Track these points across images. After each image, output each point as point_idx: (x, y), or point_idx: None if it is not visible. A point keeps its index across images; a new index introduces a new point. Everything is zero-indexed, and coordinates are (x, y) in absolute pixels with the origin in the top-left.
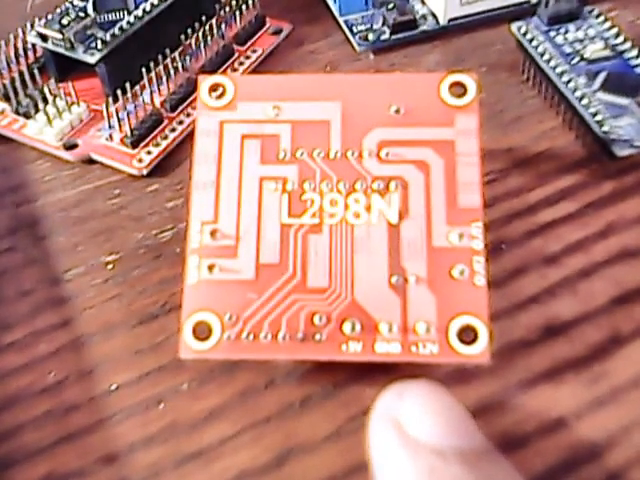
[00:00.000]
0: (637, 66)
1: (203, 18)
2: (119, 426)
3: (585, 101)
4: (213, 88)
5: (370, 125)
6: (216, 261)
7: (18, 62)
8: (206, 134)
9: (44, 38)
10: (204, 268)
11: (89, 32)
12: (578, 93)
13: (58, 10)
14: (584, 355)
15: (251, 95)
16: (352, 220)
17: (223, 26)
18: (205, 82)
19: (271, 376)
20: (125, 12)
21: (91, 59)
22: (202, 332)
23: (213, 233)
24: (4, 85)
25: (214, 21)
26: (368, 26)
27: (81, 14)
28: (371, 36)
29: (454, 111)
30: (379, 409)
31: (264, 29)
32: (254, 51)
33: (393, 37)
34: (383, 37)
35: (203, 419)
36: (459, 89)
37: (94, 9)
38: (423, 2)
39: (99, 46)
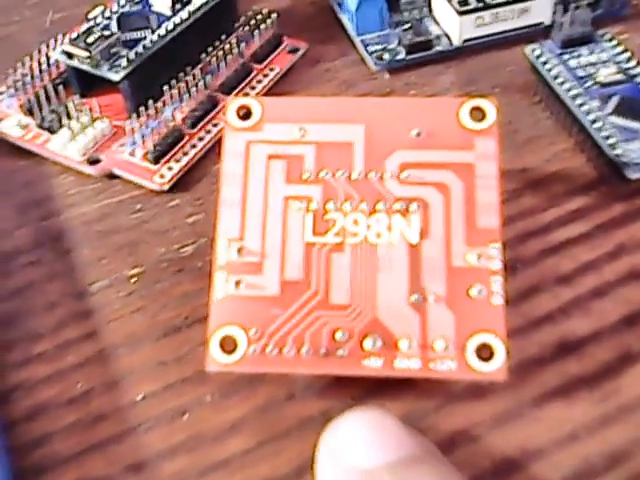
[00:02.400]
0: None
1: (222, 36)
2: (145, 436)
3: (598, 124)
4: (240, 110)
5: (392, 147)
6: (242, 277)
7: (42, 77)
8: (233, 154)
9: (70, 56)
10: (231, 284)
11: (113, 50)
12: (591, 116)
13: (83, 28)
14: (595, 373)
15: (277, 116)
16: (374, 240)
17: (242, 45)
18: (233, 104)
19: (292, 389)
20: (148, 30)
21: (115, 77)
22: (228, 346)
23: (240, 250)
24: (29, 100)
25: (233, 40)
26: (384, 46)
27: (105, 32)
28: (386, 56)
29: (474, 135)
30: (321, 444)
31: (281, 48)
32: (271, 69)
33: (408, 57)
34: (398, 57)
35: (226, 430)
36: (479, 114)
37: (118, 27)
38: (438, 23)
39: (123, 64)
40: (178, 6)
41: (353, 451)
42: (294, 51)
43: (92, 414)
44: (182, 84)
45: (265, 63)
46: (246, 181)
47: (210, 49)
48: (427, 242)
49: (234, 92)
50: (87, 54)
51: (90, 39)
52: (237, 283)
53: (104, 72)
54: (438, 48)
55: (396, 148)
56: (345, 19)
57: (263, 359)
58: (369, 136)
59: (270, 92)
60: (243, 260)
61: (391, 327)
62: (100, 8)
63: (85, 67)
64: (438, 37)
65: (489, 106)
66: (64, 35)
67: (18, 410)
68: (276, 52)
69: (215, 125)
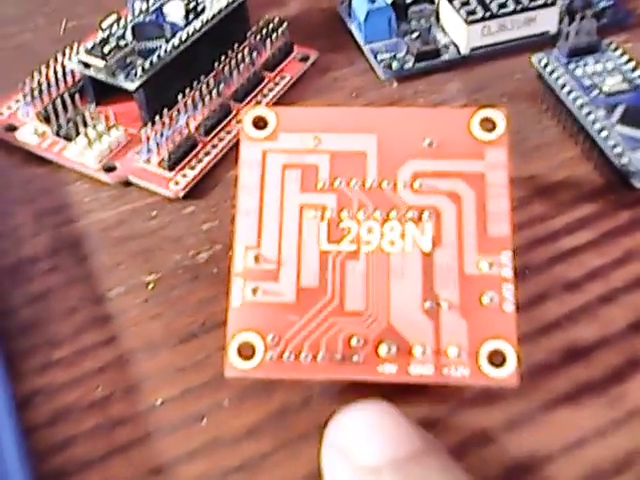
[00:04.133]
0: None
1: (235, 45)
2: (164, 440)
3: (604, 133)
4: (256, 120)
5: (405, 157)
6: (259, 284)
7: (58, 86)
8: (249, 164)
9: (86, 65)
10: (248, 291)
11: (129, 59)
12: (597, 125)
13: (98, 38)
14: (603, 378)
15: (292, 126)
16: (387, 247)
17: (253, 53)
18: (248, 114)
19: (308, 394)
20: (162, 40)
21: (131, 86)
22: (246, 352)
23: (256, 258)
24: (45, 108)
25: (245, 48)
26: (392, 54)
27: (121, 42)
28: (395, 64)
29: (484, 145)
30: (325, 440)
31: (292, 56)
32: (282, 77)
33: (416, 66)
34: (406, 65)
35: (243, 435)
36: (489, 124)
37: (133, 37)
38: (445, 32)
39: (138, 73)
40: (191, 16)
41: (359, 447)
42: (304, 59)
43: (112, 419)
44: (196, 92)
45: (276, 71)
46: (262, 190)
47: (223, 58)
48: (440, 250)
49: (246, 100)
50: (103, 64)
51: (106, 49)
52: (254, 290)
53: (120, 81)
54: (446, 57)
55: (408, 157)
56: (354, 28)
57: (280, 365)
58: (382, 145)
59: (281, 100)
60: (260, 267)
61: (405, 334)
62: (113, 17)
63: (101, 76)
64: (446, 46)
65: (499, 116)
66: (79, 43)
67: (39, 415)
68: (287, 60)
69: (228, 133)
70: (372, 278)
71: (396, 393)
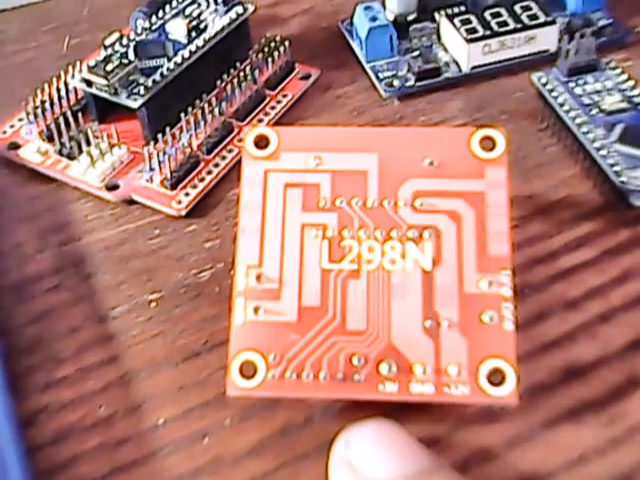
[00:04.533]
0: None
1: (237, 63)
2: (167, 459)
3: (603, 152)
4: (258, 139)
5: (405, 176)
6: (261, 303)
7: (60, 104)
8: (251, 183)
9: (89, 83)
10: (250, 310)
11: (131, 78)
12: (596, 144)
13: (101, 56)
14: (603, 396)
15: (293, 146)
16: (388, 266)
17: (255, 72)
18: (250, 134)
19: (309, 413)
20: (165, 58)
21: (134, 104)
22: (248, 371)
23: (258, 277)
24: (48, 127)
25: (247, 66)
26: (393, 72)
27: (124, 60)
28: (396, 82)
29: (484, 164)
30: (334, 455)
31: (293, 74)
32: (284, 96)
33: (418, 84)
34: (408, 84)
35: (246, 453)
36: (489, 143)
37: (135, 55)
38: (446, 50)
39: (141, 92)
40: (194, 34)
41: (369, 463)
42: (306, 77)
43: (115, 438)
44: (198, 111)
45: (278, 90)
46: (264, 209)
47: (225, 76)
48: (440, 269)
49: (248, 118)
50: (106, 82)
51: (109, 67)
52: (256, 309)
53: (123, 100)
54: (447, 75)
55: (409, 176)
56: (355, 46)
57: (282, 384)
58: (383, 165)
59: (283, 118)
60: (262, 286)
61: (406, 352)
62: (116, 35)
63: (104, 95)
64: (447, 64)
65: (499, 136)
66: (81, 61)
67: (42, 434)
68: (289, 78)
69: (230, 151)
70: (373, 297)
71: (397, 411)
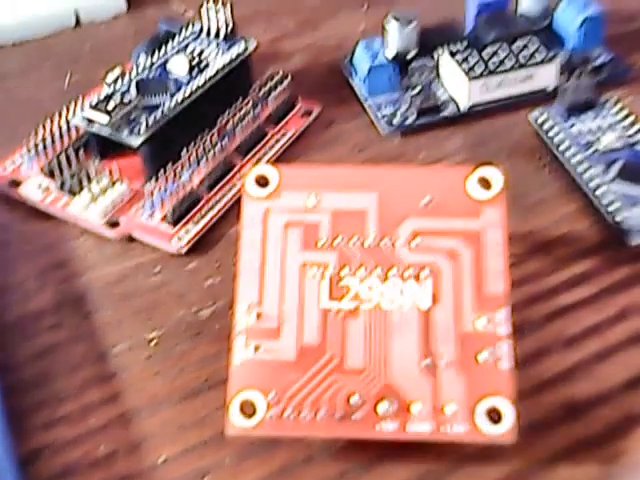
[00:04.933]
0: None
1: (238, 100)
2: None
3: (600, 190)
4: (258, 178)
5: (403, 215)
6: (261, 342)
7: (62, 141)
8: (251, 222)
9: (90, 121)
10: (250, 348)
11: (132, 116)
12: (594, 182)
13: (102, 94)
14: (600, 434)
15: (293, 185)
16: (387, 305)
17: (257, 108)
18: (251, 173)
19: (309, 452)
20: (166, 96)
21: (135, 142)
22: (247, 410)
23: (258, 316)
24: (49, 163)
25: (248, 103)
26: (394, 109)
27: (125, 98)
28: (396, 119)
29: (481, 204)
30: None
31: (295, 110)
32: (286, 132)
33: (418, 121)
34: (408, 121)
35: None
36: (486, 183)
37: (137, 93)
38: (446, 88)
39: (142, 129)
40: (195, 71)
41: None
42: (307, 114)
43: (116, 476)
44: (199, 147)
45: (279, 126)
46: (264, 248)
47: (226, 112)
48: (437, 307)
49: (249, 155)
50: (107, 120)
51: (110, 105)
52: (256, 348)
53: (124, 138)
54: (446, 112)
55: (407, 216)
56: (356, 82)
57: (281, 423)
58: (382, 204)
59: (284, 154)
60: (261, 325)
61: (404, 391)
62: (117, 71)
63: (105, 133)
64: (446, 102)
65: (496, 175)
66: (83, 98)
67: (44, 472)
68: (290, 115)
69: (231, 188)
70: (371, 336)
71: (396, 450)
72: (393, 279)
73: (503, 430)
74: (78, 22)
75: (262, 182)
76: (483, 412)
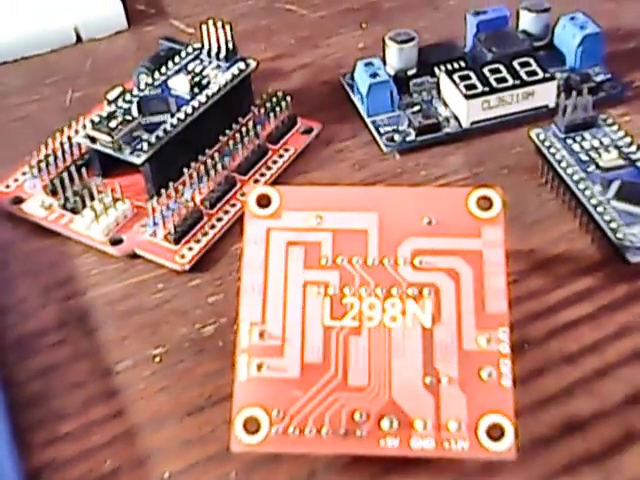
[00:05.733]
0: None
1: (239, 118)
2: None
3: (600, 209)
4: (260, 199)
5: (404, 235)
6: (264, 360)
7: (64, 159)
8: (254, 241)
9: (93, 140)
10: (253, 366)
11: (135, 134)
12: (594, 200)
13: (105, 112)
14: (600, 451)
15: (295, 205)
16: (389, 323)
17: (258, 126)
18: (253, 193)
19: (312, 468)
20: (168, 114)
21: (137, 160)
22: (251, 426)
23: (261, 334)
24: (52, 181)
25: (249, 121)
26: (394, 127)
27: (127, 117)
28: (397, 137)
29: (481, 223)
30: None
31: (295, 128)
32: (286, 150)
33: (418, 139)
34: (408, 138)
35: None
36: (486, 203)
37: (139, 111)
38: (446, 105)
39: (144, 148)
40: (196, 90)
41: None
42: (308, 132)
43: None
44: (201, 166)
45: (280, 144)
46: (266, 266)
47: (227, 131)
48: (439, 326)
49: (250, 173)
50: (110, 139)
51: (112, 123)
52: (259, 366)
53: (126, 156)
54: (447, 130)
55: (408, 235)
56: (357, 100)
57: (285, 439)
58: (383, 224)
59: (285, 172)
60: (265, 343)
61: (406, 408)
62: (118, 89)
63: (108, 151)
64: (447, 119)
65: (495, 196)
66: (85, 115)
67: None
68: (291, 133)
69: (233, 205)
70: (374, 353)
71: (399, 466)
72: (395, 298)
73: (504, 447)
74: (79, 39)
75: (263, 202)
76: (485, 429)
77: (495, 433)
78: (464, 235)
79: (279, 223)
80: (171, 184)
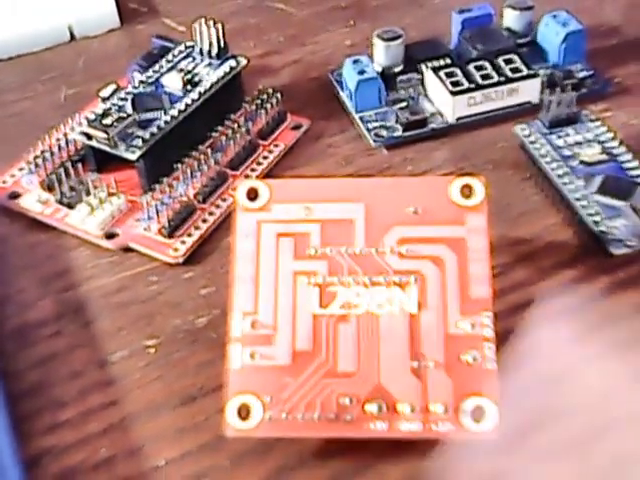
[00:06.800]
0: (630, 170)
1: (230, 115)
2: None
3: (583, 202)
4: (250, 192)
5: (390, 224)
6: (256, 348)
7: (60, 154)
8: (245, 233)
9: (88, 136)
10: (246, 355)
11: (129, 130)
12: (577, 194)
13: (99, 109)
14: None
15: (284, 197)
16: (376, 310)
17: (248, 122)
18: (242, 187)
19: (304, 452)
20: (161, 111)
21: (132, 156)
22: (244, 413)
23: (253, 323)
24: (48, 176)
25: (240, 117)
26: (382, 123)
27: (122, 114)
28: (384, 132)
29: (464, 211)
30: None
31: (285, 124)
32: (276, 145)
33: (405, 134)
34: (396, 134)
35: None
36: (468, 191)
37: (133, 108)
38: (432, 102)
39: (139, 144)
40: (189, 87)
41: None
42: (297, 127)
43: (116, 479)
44: (193, 161)
45: (270, 139)
46: (258, 258)
47: (219, 127)
48: (425, 312)
49: (242, 168)
50: (105, 135)
51: (107, 120)
52: (252, 354)
53: (121, 152)
54: (433, 125)
55: (394, 224)
56: (345, 96)
57: (277, 425)
58: (369, 214)
59: (275, 167)
60: (257, 332)
61: (394, 392)
62: (112, 87)
63: (103, 147)
64: (433, 115)
65: (478, 184)
66: (80, 112)
67: (46, 476)
68: (280, 129)
69: (224, 200)
70: (362, 340)
71: (387, 450)
72: (381, 285)
73: (487, 428)
74: (73, 37)
75: (253, 196)
76: (469, 411)
77: (478, 415)
78: (448, 223)
79: (269, 215)
80: (165, 179)
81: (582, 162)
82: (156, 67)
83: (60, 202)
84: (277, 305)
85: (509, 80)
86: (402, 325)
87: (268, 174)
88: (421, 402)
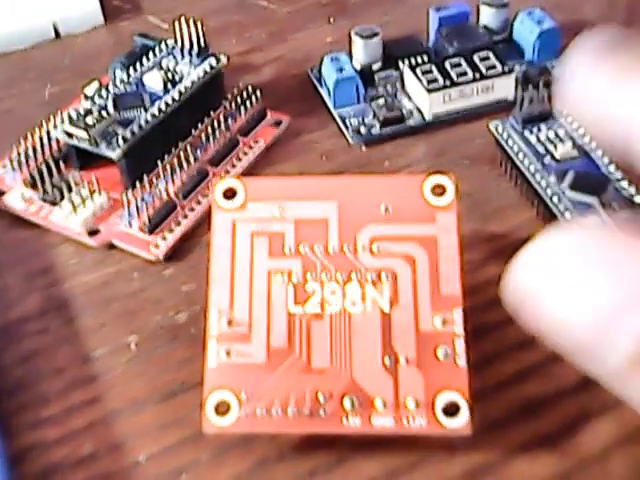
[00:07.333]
0: (602, 166)
1: (211, 112)
2: None
3: (556, 199)
4: (226, 191)
5: (363, 222)
6: (232, 346)
7: (43, 152)
8: (221, 232)
9: (70, 135)
10: (222, 352)
11: (110, 129)
12: (549, 191)
13: (81, 108)
14: (555, 431)
15: (259, 196)
16: (349, 308)
17: (229, 119)
18: (219, 186)
19: (283, 448)
20: (142, 109)
21: (113, 155)
22: (222, 409)
23: (230, 321)
24: (31, 174)
25: (221, 115)
26: (360, 119)
27: (103, 113)
28: (363, 129)
29: (435, 210)
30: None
31: (265, 121)
32: (256, 142)
33: (383, 130)
34: (374, 130)
35: None
36: (440, 189)
37: (114, 107)
38: (410, 98)
39: (120, 142)
40: (169, 85)
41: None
42: (277, 124)
43: (98, 474)
44: (174, 158)
45: (250, 136)
46: (233, 256)
47: (199, 124)
48: (397, 309)
49: (222, 164)
50: (86, 135)
51: (89, 120)
52: (228, 352)
53: (103, 150)
54: (410, 122)
55: (366, 223)
56: (324, 93)
57: (254, 421)
58: (342, 212)
59: (255, 164)
60: (233, 330)
61: (367, 388)
62: (95, 84)
63: (85, 146)
64: (411, 111)
65: (449, 183)
66: (62, 110)
67: (30, 471)
68: (260, 125)
69: (205, 196)
70: (336, 337)
71: (364, 445)
72: (354, 283)
73: (460, 423)
74: (57, 34)
75: (229, 195)
76: (441, 406)
77: (451, 410)
78: (419, 221)
79: (244, 214)
80: (146, 176)
81: (554, 158)
82: (137, 66)
83: (43, 199)
84: (252, 303)
85: (484, 77)
86: (375, 322)
87: (248, 170)
88: (393, 397)
